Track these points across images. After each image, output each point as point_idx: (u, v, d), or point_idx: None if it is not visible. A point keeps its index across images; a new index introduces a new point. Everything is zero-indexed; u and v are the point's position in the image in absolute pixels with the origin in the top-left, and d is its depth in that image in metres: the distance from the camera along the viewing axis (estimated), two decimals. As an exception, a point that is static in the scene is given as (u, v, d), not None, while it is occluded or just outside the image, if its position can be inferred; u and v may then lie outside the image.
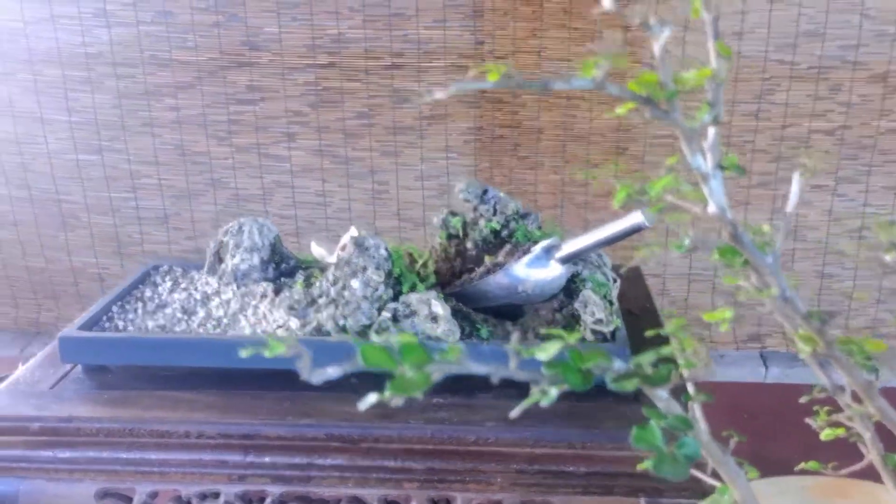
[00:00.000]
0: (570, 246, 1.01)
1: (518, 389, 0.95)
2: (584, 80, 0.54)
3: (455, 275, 1.09)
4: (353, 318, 0.94)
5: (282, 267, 1.13)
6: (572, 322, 1.01)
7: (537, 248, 1.02)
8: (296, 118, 2.38)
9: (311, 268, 1.16)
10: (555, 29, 2.25)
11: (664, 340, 1.07)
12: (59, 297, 2.63)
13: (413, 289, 0.98)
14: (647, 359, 0.53)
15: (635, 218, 0.94)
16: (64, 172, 2.48)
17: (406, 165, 2.42)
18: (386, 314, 0.94)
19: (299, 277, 1.13)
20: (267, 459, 0.91)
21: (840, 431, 0.81)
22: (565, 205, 2.41)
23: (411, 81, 2.33)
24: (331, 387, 0.96)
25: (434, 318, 0.94)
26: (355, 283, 0.93)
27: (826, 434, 0.81)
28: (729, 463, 0.63)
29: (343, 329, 0.95)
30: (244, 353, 0.47)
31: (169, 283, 1.15)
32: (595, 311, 0.98)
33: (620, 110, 0.59)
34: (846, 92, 2.24)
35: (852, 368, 0.66)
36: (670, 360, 0.58)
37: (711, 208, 0.59)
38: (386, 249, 0.97)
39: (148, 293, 1.12)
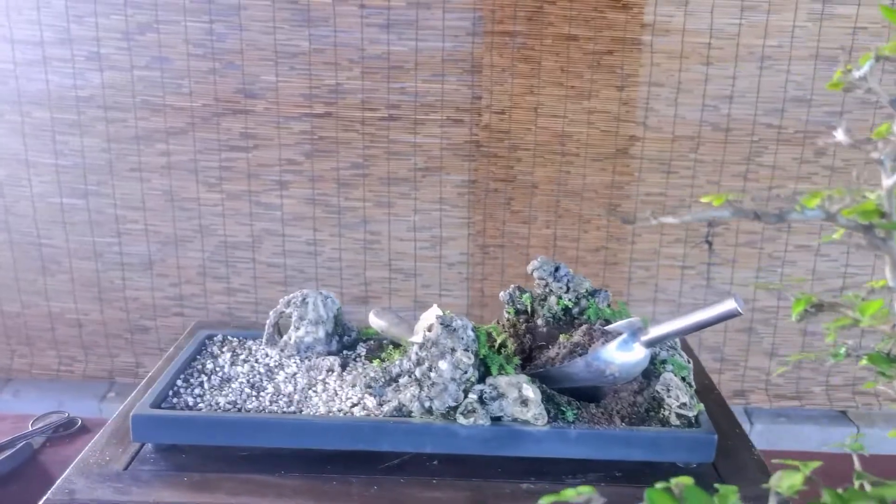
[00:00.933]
0: (657, 330, 1.00)
1: (606, 473, 0.95)
2: (815, 211, 0.56)
3: (525, 352, 1.08)
4: (439, 400, 0.92)
5: (344, 339, 1.11)
6: (654, 405, 1.01)
7: (623, 332, 1.01)
8: (289, 166, 2.37)
9: (372, 339, 1.14)
10: (551, 86, 2.29)
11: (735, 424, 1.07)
12: (34, 342, 2.54)
13: (501, 371, 0.97)
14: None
15: (729, 305, 0.95)
16: (47, 216, 2.42)
17: (399, 216, 2.42)
18: (472, 396, 0.93)
19: (362, 351, 1.11)
20: None
21: None
22: (557, 258, 2.43)
23: (407, 133, 2.34)
24: (413, 471, 0.95)
25: (524, 402, 0.93)
26: (443, 365, 0.92)
27: None
28: None
29: (429, 411, 0.94)
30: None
31: (228, 355, 1.11)
32: (679, 394, 0.98)
33: (836, 236, 0.62)
34: (830, 156, 2.32)
35: None
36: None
37: None
38: (473, 330, 0.96)
39: (209, 365, 1.08)
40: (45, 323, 2.53)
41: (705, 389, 1.21)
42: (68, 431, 1.41)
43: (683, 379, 1.04)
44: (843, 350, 0.71)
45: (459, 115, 2.33)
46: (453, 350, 0.92)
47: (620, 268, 2.43)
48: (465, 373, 0.93)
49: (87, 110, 2.32)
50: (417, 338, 0.97)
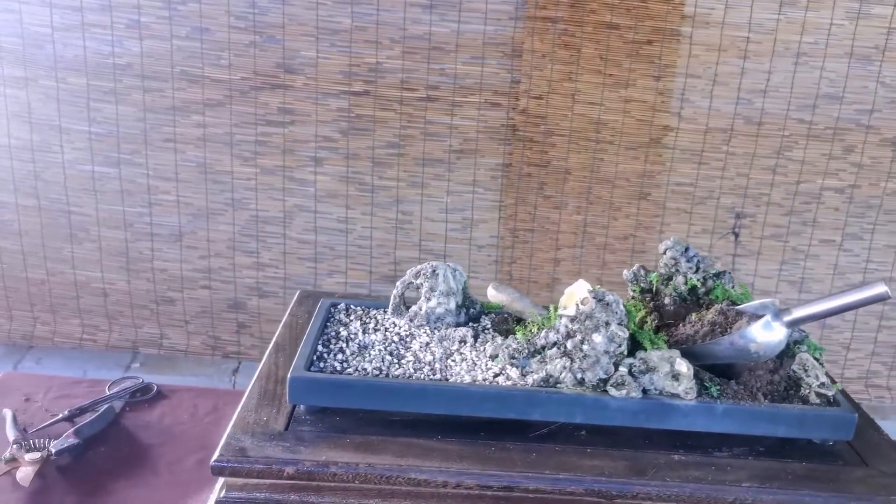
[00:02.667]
0: (801, 311, 1.02)
1: (749, 448, 0.98)
2: None
3: (658, 330, 1.11)
4: (591, 372, 0.94)
5: (470, 312, 1.13)
6: (791, 384, 1.04)
7: (767, 313, 1.03)
8: (325, 143, 2.37)
9: (495, 313, 1.17)
10: (590, 74, 2.31)
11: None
12: (57, 310, 2.53)
13: (653, 346, 1.00)
14: None
15: (879, 288, 0.97)
16: (77, 184, 2.40)
17: (432, 197, 2.43)
18: (623, 369, 0.96)
19: (487, 323, 1.13)
20: None
21: None
22: (585, 245, 2.46)
23: (444, 115, 2.35)
24: (564, 441, 0.97)
25: (675, 376, 0.96)
26: (598, 338, 0.94)
27: None
28: None
29: (580, 382, 0.96)
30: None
31: (357, 323, 1.12)
32: (818, 374, 1.01)
33: None
34: (858, 153, 2.37)
35: None
36: None
37: None
38: (624, 305, 0.98)
39: (343, 332, 1.09)
40: (70, 291, 2.51)
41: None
42: (145, 397, 1.42)
43: (817, 359, 1.07)
44: None
45: (497, 99, 2.34)
46: (607, 324, 0.95)
47: (647, 256, 2.46)
48: (620, 346, 0.95)
49: (124, 78, 2.31)
50: (567, 311, 0.99)
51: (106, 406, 1.33)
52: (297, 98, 2.33)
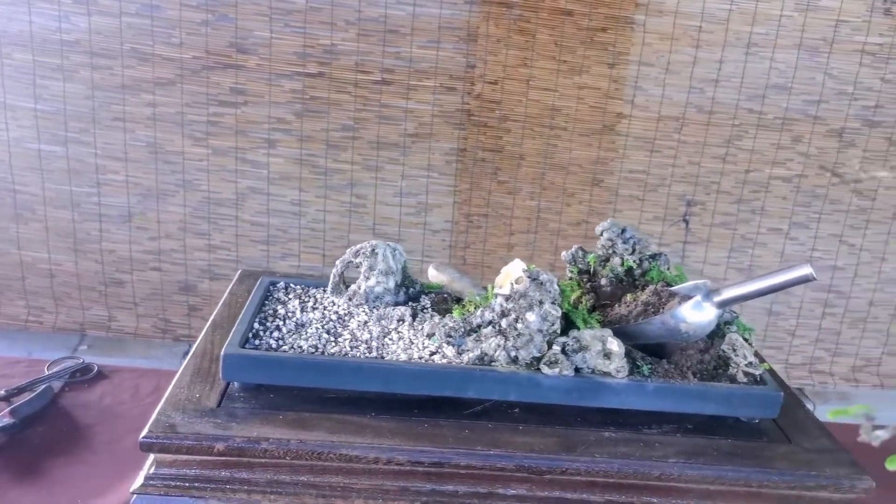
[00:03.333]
0: (730, 292, 1.04)
1: (678, 425, 1.00)
2: None
3: (592, 310, 1.12)
4: (525, 350, 0.95)
5: (409, 291, 1.13)
6: (720, 363, 1.06)
7: (697, 293, 1.05)
8: (279, 125, 2.35)
9: (434, 293, 1.17)
10: (544, 60, 2.32)
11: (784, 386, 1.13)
12: (2, 291, 2.47)
13: (586, 325, 1.01)
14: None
15: (804, 270, 0.98)
16: (23, 162, 2.35)
17: (386, 181, 2.43)
18: (556, 348, 0.96)
19: (426, 302, 1.13)
20: (450, 487, 0.91)
21: None
22: (539, 230, 2.48)
23: (399, 98, 2.34)
24: (498, 418, 0.98)
25: (607, 355, 0.97)
26: (531, 316, 0.95)
27: None
28: None
29: (514, 360, 0.96)
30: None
31: (296, 302, 1.12)
32: (746, 354, 1.03)
33: None
34: (805, 143, 2.42)
35: None
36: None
37: None
38: (558, 284, 0.99)
39: (280, 311, 1.09)
40: (15, 272, 2.46)
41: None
42: (85, 377, 1.40)
43: (746, 340, 1.09)
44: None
45: (452, 83, 2.34)
46: (541, 302, 0.96)
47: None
48: (553, 325, 0.96)
49: (72, 55, 2.26)
50: (503, 290, 0.99)
51: (44, 386, 1.31)
52: (250, 79, 2.30)
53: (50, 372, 1.36)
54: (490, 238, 2.49)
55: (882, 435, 0.60)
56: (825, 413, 1.17)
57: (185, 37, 2.26)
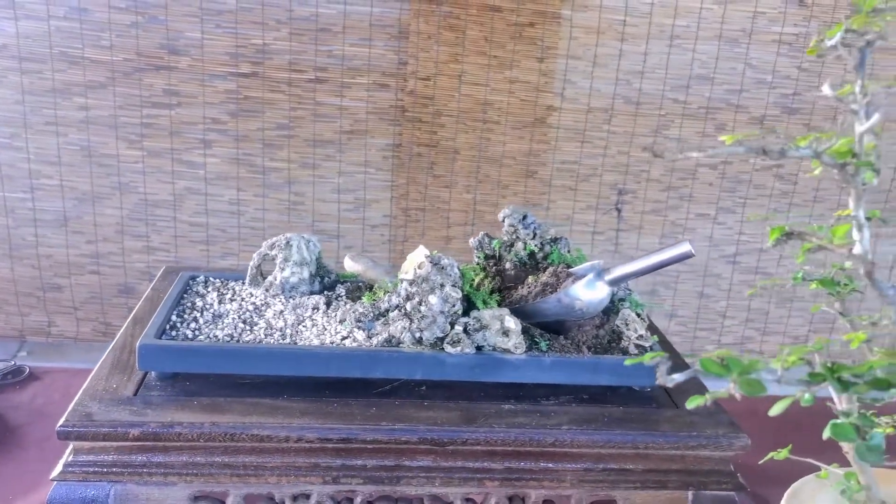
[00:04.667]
0: (620, 270, 1.11)
1: (575, 396, 1.06)
2: (805, 149, 0.68)
3: (494, 292, 1.17)
4: (428, 331, 0.99)
5: (324, 281, 1.16)
6: (614, 337, 1.12)
7: (589, 273, 1.11)
8: (214, 125, 2.36)
9: (349, 282, 1.20)
10: (475, 55, 2.37)
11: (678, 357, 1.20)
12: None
13: (485, 305, 1.06)
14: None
15: (684, 247, 1.05)
16: (-47, 168, 2.32)
17: (323, 178, 2.45)
18: (458, 328, 1.01)
19: (342, 291, 1.16)
20: (359, 462, 0.95)
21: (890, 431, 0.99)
22: (476, 223, 2.53)
23: (334, 96, 2.37)
24: (405, 395, 1.02)
25: (505, 333, 1.02)
26: (433, 299, 0.99)
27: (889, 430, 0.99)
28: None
29: (419, 341, 1.01)
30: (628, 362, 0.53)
31: (214, 294, 1.15)
32: (637, 327, 1.09)
33: (815, 172, 0.75)
34: (729, 131, 2.50)
35: None
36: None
37: (857, 250, 0.74)
38: (458, 268, 1.03)
39: (199, 303, 1.12)
40: (-51, 280, 2.43)
41: (652, 330, 1.33)
42: (17, 379, 1.40)
43: (639, 315, 1.15)
44: (800, 274, 0.85)
45: (385, 80, 2.38)
46: (442, 285, 1.01)
47: (536, 232, 2.55)
48: (454, 306, 1.01)
49: (0, 60, 2.24)
50: (408, 275, 1.04)
51: (-28, 389, 1.32)
52: (183, 80, 2.31)
53: (-21, 375, 1.36)
54: (428, 231, 2.54)
55: (677, 378, 0.67)
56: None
57: (116, 39, 2.26)
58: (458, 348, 1.02)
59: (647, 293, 2.65)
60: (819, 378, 0.69)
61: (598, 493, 1.01)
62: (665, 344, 1.31)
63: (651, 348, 1.12)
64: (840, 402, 0.85)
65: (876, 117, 0.75)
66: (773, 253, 2.64)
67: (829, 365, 0.70)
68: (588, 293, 1.10)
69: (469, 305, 1.06)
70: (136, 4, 2.22)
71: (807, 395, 0.67)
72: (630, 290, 1.24)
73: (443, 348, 1.02)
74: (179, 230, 2.46)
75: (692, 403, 0.68)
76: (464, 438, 0.97)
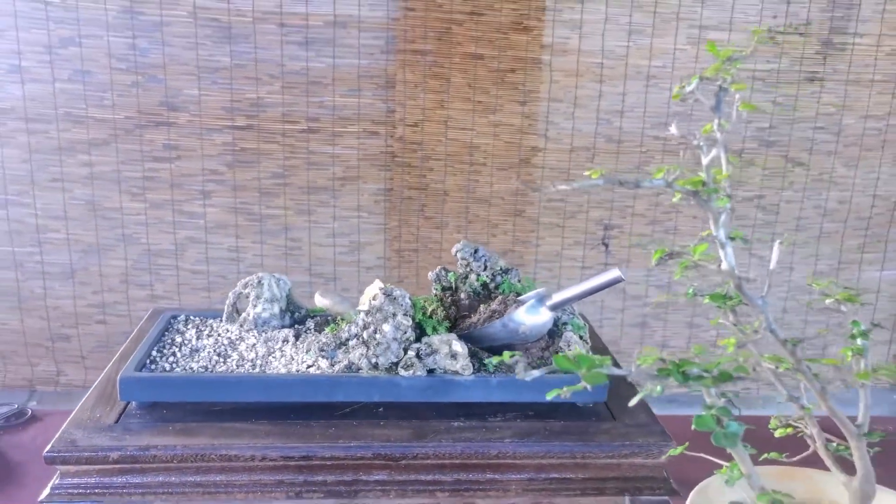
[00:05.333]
0: (559, 296, 1.20)
1: (521, 413, 1.13)
2: (659, 180, 0.78)
3: (451, 321, 1.25)
4: (383, 357, 1.08)
5: (295, 315, 1.25)
6: None
7: (531, 299, 1.20)
8: (212, 176, 2.47)
9: (318, 317, 1.29)
10: (460, 101, 2.48)
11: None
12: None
13: (435, 332, 1.14)
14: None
15: (614, 273, 1.15)
16: (-35, 226, 2.43)
17: (319, 223, 2.55)
18: (411, 353, 1.09)
19: (311, 325, 1.25)
20: (319, 478, 1.02)
21: (790, 430, 1.06)
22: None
23: (326, 145, 2.48)
24: (363, 416, 1.10)
25: (454, 356, 1.10)
26: (386, 327, 1.07)
27: (779, 432, 1.06)
28: (739, 448, 0.87)
29: (375, 366, 1.09)
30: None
31: (193, 331, 1.24)
32: (577, 348, 1.17)
33: (675, 200, 0.85)
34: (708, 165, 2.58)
35: (813, 380, 0.90)
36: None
37: (724, 266, 0.85)
38: (410, 299, 1.12)
39: (178, 339, 1.21)
40: (-38, 333, 2.53)
41: (601, 351, 1.41)
42: (20, 420, 1.49)
43: (581, 337, 1.23)
44: (690, 290, 0.94)
45: (375, 128, 2.48)
46: (395, 314, 1.09)
47: (526, 269, 2.63)
48: (405, 333, 1.09)
49: (8, 122, 2.36)
50: (364, 306, 1.12)
51: (-22, 431, 1.40)
52: (182, 134, 2.43)
53: (-16, 418, 1.45)
54: (422, 271, 2.62)
55: (535, 373, 0.75)
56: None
57: (117, 98, 2.38)
58: (411, 371, 1.10)
59: (637, 325, 2.72)
60: (665, 372, 0.79)
61: (542, 502, 1.08)
62: (613, 361, 1.38)
63: None
64: (707, 395, 0.93)
65: (713, 152, 0.87)
66: (759, 280, 2.70)
67: (676, 362, 0.78)
68: (530, 318, 1.18)
69: (422, 332, 1.14)
70: (135, 65, 2.35)
71: (658, 388, 0.77)
72: (574, 314, 1.32)
73: (397, 372, 1.11)
74: (182, 278, 2.55)
75: (551, 395, 0.79)
76: (415, 453, 1.05)
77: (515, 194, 2.57)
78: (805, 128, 2.58)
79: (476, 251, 1.33)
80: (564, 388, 0.82)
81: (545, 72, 2.47)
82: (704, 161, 0.88)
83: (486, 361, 1.17)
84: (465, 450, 1.06)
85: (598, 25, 2.44)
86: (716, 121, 0.93)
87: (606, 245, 2.65)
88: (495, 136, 2.51)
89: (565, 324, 1.28)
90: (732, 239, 0.89)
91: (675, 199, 0.91)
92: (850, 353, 1.07)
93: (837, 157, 2.61)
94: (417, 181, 2.54)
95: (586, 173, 0.89)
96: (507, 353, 0.84)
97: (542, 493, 1.07)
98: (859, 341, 1.06)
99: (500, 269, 1.33)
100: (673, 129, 0.94)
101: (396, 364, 1.11)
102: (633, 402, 0.79)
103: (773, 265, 1.03)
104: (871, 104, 2.58)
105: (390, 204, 2.55)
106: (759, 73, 2.52)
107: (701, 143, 0.90)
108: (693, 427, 0.82)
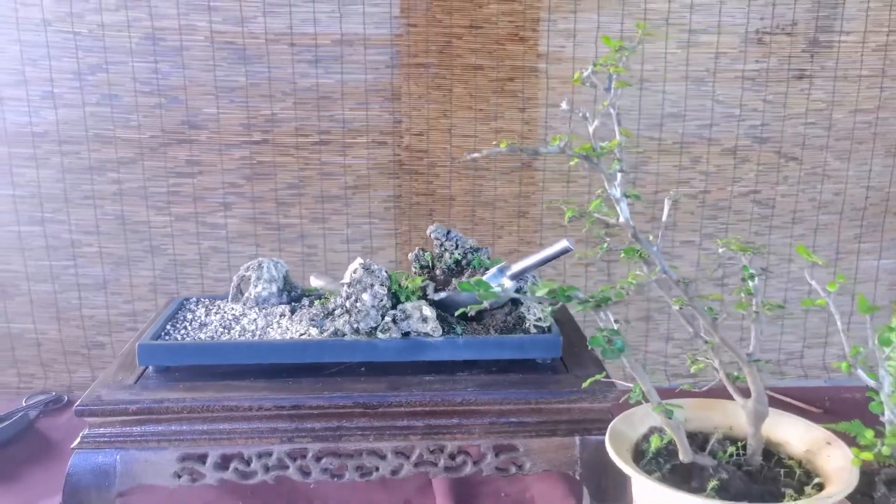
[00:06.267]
0: (517, 266, 1.34)
1: (486, 369, 1.26)
2: (554, 147, 0.93)
3: (427, 296, 1.40)
4: (363, 323, 1.22)
5: (292, 294, 1.39)
6: (520, 322, 1.34)
7: (493, 269, 1.34)
8: (232, 189, 2.63)
9: (313, 295, 1.44)
10: (462, 110, 2.62)
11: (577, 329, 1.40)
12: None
13: (408, 299, 1.28)
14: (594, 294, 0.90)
15: (563, 244, 1.29)
16: (5, 243, 2.62)
17: (333, 230, 2.70)
18: (388, 318, 1.24)
19: (306, 302, 1.39)
20: (308, 425, 1.17)
21: (702, 365, 1.18)
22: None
23: (337, 156, 2.63)
24: (346, 375, 1.24)
25: (424, 319, 1.24)
26: (365, 296, 1.22)
27: (694, 368, 1.18)
28: (637, 366, 1.01)
29: (356, 331, 1.23)
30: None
31: (202, 309, 1.39)
32: (535, 312, 1.30)
33: (572, 163, 1.01)
34: (704, 163, 2.70)
35: (704, 314, 1.03)
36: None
37: (621, 219, 0.99)
38: (386, 272, 1.26)
39: (189, 316, 1.37)
40: (4, 344, 2.71)
41: (566, 319, 1.54)
42: (57, 406, 1.64)
43: (540, 303, 1.36)
44: (605, 245, 1.08)
45: (383, 138, 2.63)
46: (372, 285, 1.23)
47: (532, 268, 2.75)
48: (382, 300, 1.24)
49: (43, 144, 2.55)
50: (346, 279, 1.26)
51: (21, 414, 1.55)
52: (203, 150, 2.60)
53: (27, 403, 1.60)
54: (432, 273, 2.75)
55: (443, 294, 0.89)
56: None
57: (142, 119, 2.55)
58: (388, 335, 1.24)
59: (642, 319, 2.82)
60: (552, 295, 0.93)
61: (502, 442, 1.21)
62: (570, 323, 1.52)
63: (549, 328, 1.33)
64: (600, 321, 1.09)
65: (596, 123, 1.05)
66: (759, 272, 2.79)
67: (563, 287, 0.93)
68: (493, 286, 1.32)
69: (398, 301, 1.28)
70: (158, 88, 2.53)
71: (549, 309, 0.91)
72: (535, 283, 1.45)
73: (376, 336, 1.25)
74: (206, 285, 2.71)
75: (459, 312, 0.92)
76: (390, 402, 1.20)
77: (519, 196, 2.69)
78: (796, 124, 2.68)
79: (448, 232, 1.47)
80: (469, 307, 0.97)
81: (542, 79, 2.61)
82: (590, 129, 1.04)
83: (455, 326, 1.31)
84: (433, 398, 1.20)
85: (591, 34, 2.57)
86: (609, 98, 1.10)
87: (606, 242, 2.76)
88: (497, 143, 2.64)
89: (526, 293, 1.41)
90: (627, 196, 1.04)
91: (572, 164, 1.07)
92: (743, 294, 1.21)
93: (829, 150, 2.71)
94: (425, 187, 2.68)
95: (495, 143, 1.05)
96: (462, 310, 0.97)
97: (502, 435, 1.21)
98: (750, 283, 1.20)
99: (471, 247, 1.46)
100: (564, 105, 1.11)
101: (375, 329, 1.25)
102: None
103: (664, 217, 1.25)
104: (860, 98, 2.67)
105: (399, 210, 2.70)
106: (748, 73, 2.63)
107: (586, 115, 1.07)
108: (588, 345, 0.96)
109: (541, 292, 1.01)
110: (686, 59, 2.61)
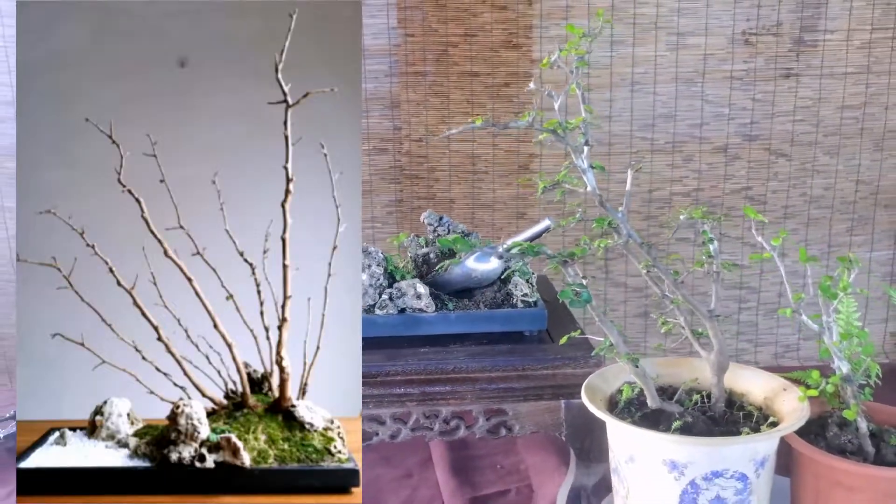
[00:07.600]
0: (503, 247, 1.44)
1: (477, 342, 1.34)
2: (523, 122, 1.04)
3: (423, 276, 1.50)
4: (363, 301, 1.31)
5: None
6: (508, 298, 1.42)
7: (483, 248, 1.44)
8: (239, 197, 2.73)
9: None
10: (460, 116, 2.71)
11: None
12: (12, 371, 2.81)
13: (403, 278, 1.38)
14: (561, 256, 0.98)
15: (545, 223, 1.39)
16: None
17: (337, 235, 2.79)
18: (385, 296, 1.33)
19: None
20: None
21: (671, 326, 1.26)
22: (476, 264, 2.82)
23: (340, 163, 2.72)
24: None
25: (418, 296, 1.33)
26: (364, 276, 1.31)
27: (664, 329, 1.26)
28: (606, 321, 1.09)
29: None
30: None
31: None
32: (522, 288, 1.38)
33: (541, 137, 1.12)
34: (696, 161, 2.78)
35: (667, 273, 1.11)
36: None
37: (588, 188, 1.09)
38: (382, 254, 1.37)
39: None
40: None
41: (551, 300, 1.63)
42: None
43: (528, 281, 1.45)
44: (577, 215, 1.18)
45: (384, 145, 2.73)
46: (370, 266, 1.33)
47: (532, 265, 2.82)
48: (379, 280, 1.33)
49: (58, 158, 2.66)
50: None
51: None
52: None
53: None
54: (434, 275, 2.83)
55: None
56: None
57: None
58: (385, 311, 1.33)
59: (640, 315, 2.89)
60: (522, 250, 1.02)
61: (492, 407, 1.30)
62: (556, 300, 1.62)
63: (536, 303, 1.42)
64: (568, 276, 1.20)
65: (560, 100, 1.16)
66: (754, 267, 2.86)
67: (533, 245, 1.02)
68: (481, 265, 1.44)
69: (394, 280, 1.38)
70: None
71: (520, 264, 0.99)
72: (524, 263, 1.54)
73: (374, 312, 1.35)
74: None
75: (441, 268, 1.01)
76: (387, 371, 1.29)
77: (517, 198, 2.78)
78: (785, 121, 2.76)
79: (441, 218, 1.56)
80: (446, 262, 1.06)
81: (536, 84, 2.69)
82: (556, 105, 1.16)
83: (448, 302, 1.41)
84: (427, 366, 1.31)
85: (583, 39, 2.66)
86: (574, 82, 1.22)
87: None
88: (494, 145, 2.74)
89: (514, 271, 1.50)
90: (592, 167, 1.15)
91: (541, 138, 1.17)
92: (704, 256, 1.30)
93: (818, 146, 2.78)
94: (425, 192, 2.77)
95: (469, 120, 1.16)
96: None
97: (492, 400, 1.30)
98: (710, 246, 1.28)
99: (462, 232, 1.55)
100: (531, 86, 1.24)
101: (373, 306, 1.35)
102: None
103: (628, 187, 1.36)
104: (846, 95, 2.75)
105: (401, 214, 2.79)
106: (736, 73, 2.72)
107: (552, 93, 1.20)
108: (559, 298, 1.05)
109: (515, 250, 1.10)
110: (675, 61, 2.70)
